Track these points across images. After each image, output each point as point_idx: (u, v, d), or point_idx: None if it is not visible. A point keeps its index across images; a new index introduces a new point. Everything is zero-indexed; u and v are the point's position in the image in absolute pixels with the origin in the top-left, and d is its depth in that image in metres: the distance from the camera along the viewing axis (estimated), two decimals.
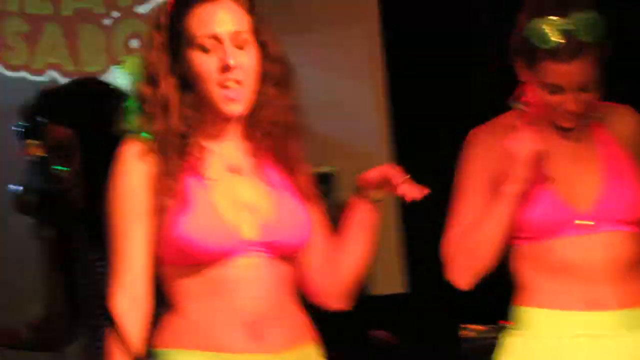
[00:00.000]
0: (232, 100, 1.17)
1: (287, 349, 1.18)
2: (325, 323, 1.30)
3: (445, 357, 3.29)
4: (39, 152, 1.86)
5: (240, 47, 1.17)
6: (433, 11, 3.58)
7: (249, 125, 1.23)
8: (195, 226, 1.14)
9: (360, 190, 1.26)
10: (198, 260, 1.16)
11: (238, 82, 1.16)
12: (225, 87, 1.16)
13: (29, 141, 1.88)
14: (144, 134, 1.19)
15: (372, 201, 1.27)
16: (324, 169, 3.05)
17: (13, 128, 1.95)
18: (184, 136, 1.18)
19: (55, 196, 1.86)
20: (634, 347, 1.41)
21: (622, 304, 1.42)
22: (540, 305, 1.46)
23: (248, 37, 1.18)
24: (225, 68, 1.15)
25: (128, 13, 3.93)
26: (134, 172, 1.18)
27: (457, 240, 1.46)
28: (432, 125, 3.57)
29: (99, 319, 1.66)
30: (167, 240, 1.16)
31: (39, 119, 1.88)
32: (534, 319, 1.47)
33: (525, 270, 1.49)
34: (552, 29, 1.37)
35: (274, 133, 1.23)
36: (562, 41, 1.37)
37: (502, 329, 1.56)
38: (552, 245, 1.44)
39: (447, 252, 1.48)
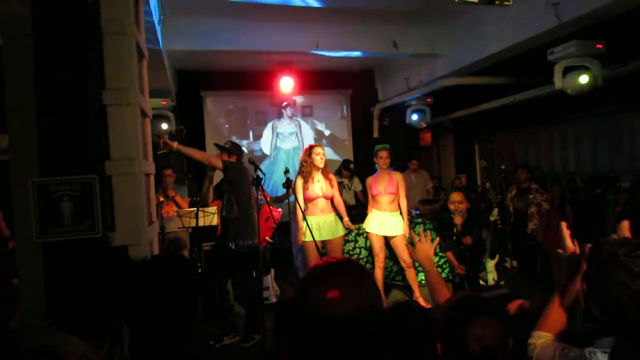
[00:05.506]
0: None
1: (328, 214, 6.70)
2: None
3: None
4: None
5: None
6: None
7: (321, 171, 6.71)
8: (309, 193, 6.60)
9: None
10: (311, 199, 6.63)
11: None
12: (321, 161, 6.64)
13: None
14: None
15: None
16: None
17: None
18: (309, 173, 6.60)
19: None
20: (390, 220, 7.07)
21: (391, 211, 7.06)
22: (375, 208, 7.15)
23: None
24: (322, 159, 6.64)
25: None
26: (298, 181, 6.61)
27: None
28: None
29: None
30: (305, 195, 6.60)
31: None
32: (374, 213, 7.15)
33: (371, 202, 7.13)
34: (380, 147, 6.89)
35: (325, 172, 6.71)
36: (383, 151, 6.86)
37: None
38: (376, 198, 7.10)
39: None
